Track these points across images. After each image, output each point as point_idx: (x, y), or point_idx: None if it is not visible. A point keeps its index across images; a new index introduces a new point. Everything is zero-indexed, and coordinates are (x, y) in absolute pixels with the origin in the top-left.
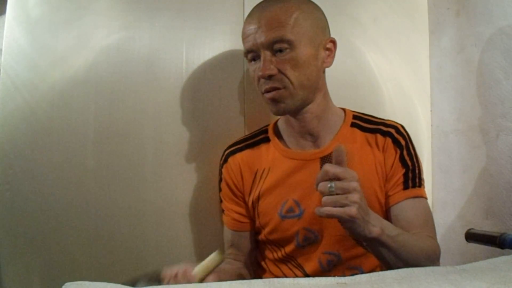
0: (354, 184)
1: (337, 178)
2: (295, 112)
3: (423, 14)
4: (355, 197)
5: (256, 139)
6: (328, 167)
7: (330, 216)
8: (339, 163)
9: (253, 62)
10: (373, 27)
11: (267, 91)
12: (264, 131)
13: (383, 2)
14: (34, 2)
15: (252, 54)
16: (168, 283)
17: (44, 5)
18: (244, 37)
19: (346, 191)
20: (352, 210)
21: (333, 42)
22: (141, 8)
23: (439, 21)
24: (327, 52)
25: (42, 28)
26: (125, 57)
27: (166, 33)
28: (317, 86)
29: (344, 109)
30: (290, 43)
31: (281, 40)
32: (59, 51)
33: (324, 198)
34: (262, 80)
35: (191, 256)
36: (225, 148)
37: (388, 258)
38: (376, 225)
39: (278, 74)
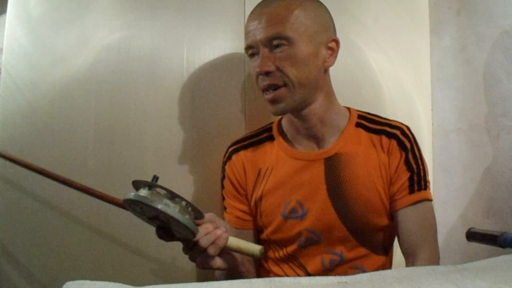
0: None
1: None
2: (296, 111)
3: (424, 13)
4: None
5: (260, 137)
6: None
7: None
8: None
9: (253, 58)
10: (374, 26)
11: (266, 89)
12: (268, 129)
13: (384, 1)
14: (35, 1)
15: (252, 50)
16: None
17: (45, 4)
18: (246, 33)
19: None
20: None
21: (336, 41)
22: (142, 7)
23: (440, 20)
24: (329, 51)
25: (43, 27)
26: (126, 56)
27: (167, 32)
28: (317, 85)
29: (349, 108)
30: (288, 40)
31: (279, 37)
32: (60, 50)
33: None
34: (260, 77)
35: None
36: (229, 145)
37: None
38: None
39: (276, 71)
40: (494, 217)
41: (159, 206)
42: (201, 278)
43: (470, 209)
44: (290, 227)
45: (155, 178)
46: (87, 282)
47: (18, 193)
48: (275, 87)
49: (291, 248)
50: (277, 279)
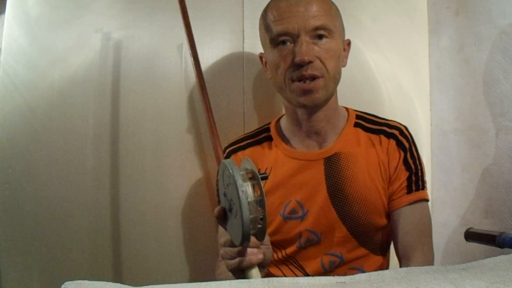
0: None
1: None
2: (321, 105)
3: (423, 13)
4: None
5: (258, 137)
6: None
7: None
8: None
9: (280, 46)
10: (372, 27)
11: (301, 79)
12: (266, 129)
13: (382, 1)
14: (34, 1)
15: (286, 37)
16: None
17: (44, 4)
18: (277, 19)
19: None
20: None
21: (349, 43)
22: (141, 7)
23: (438, 20)
24: (344, 52)
25: (41, 27)
26: (124, 56)
27: (165, 33)
28: (338, 82)
29: (347, 108)
30: (331, 32)
31: (325, 28)
32: (59, 50)
33: None
34: (295, 66)
35: (191, 256)
36: (225, 145)
37: None
38: None
39: (317, 62)
40: (493, 217)
41: (240, 186)
42: (200, 278)
43: (468, 209)
44: (290, 228)
45: (262, 174)
46: (85, 282)
47: (17, 192)
48: (313, 78)
49: (290, 250)
50: (275, 279)
